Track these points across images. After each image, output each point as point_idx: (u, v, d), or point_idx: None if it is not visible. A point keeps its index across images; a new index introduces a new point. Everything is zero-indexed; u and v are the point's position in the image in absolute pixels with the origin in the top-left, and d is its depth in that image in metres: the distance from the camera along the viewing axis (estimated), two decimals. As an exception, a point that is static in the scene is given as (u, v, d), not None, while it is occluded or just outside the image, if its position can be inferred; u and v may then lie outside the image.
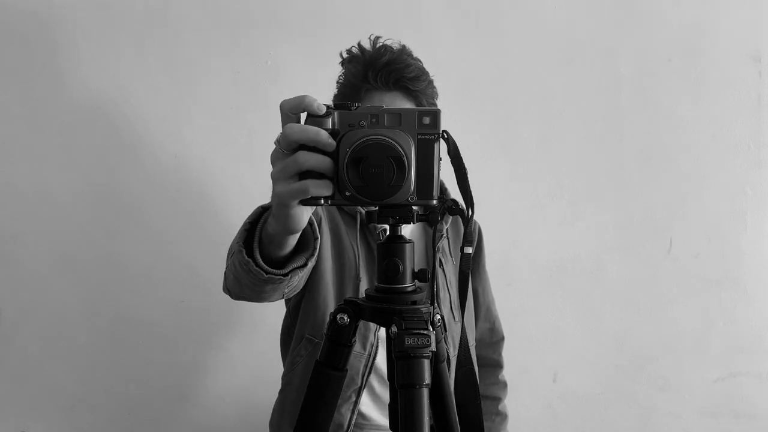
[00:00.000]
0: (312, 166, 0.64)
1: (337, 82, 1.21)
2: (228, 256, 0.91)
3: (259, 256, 0.77)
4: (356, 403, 1.13)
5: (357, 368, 1.13)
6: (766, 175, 1.77)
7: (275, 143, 0.67)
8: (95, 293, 1.55)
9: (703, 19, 1.73)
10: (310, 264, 0.81)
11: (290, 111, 0.66)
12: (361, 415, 1.16)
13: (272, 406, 1.26)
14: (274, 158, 0.67)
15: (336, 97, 1.19)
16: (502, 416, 1.35)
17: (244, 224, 0.80)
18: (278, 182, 0.66)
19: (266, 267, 0.77)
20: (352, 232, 1.18)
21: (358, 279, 1.15)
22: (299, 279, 0.83)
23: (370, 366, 1.14)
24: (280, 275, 0.77)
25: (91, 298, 1.55)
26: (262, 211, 0.80)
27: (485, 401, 1.28)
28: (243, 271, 0.78)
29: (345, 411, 1.13)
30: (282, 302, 1.28)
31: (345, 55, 1.20)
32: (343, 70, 1.20)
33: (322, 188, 0.64)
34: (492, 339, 1.38)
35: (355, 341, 0.79)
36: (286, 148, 0.64)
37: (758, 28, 1.74)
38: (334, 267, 1.17)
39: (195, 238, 1.55)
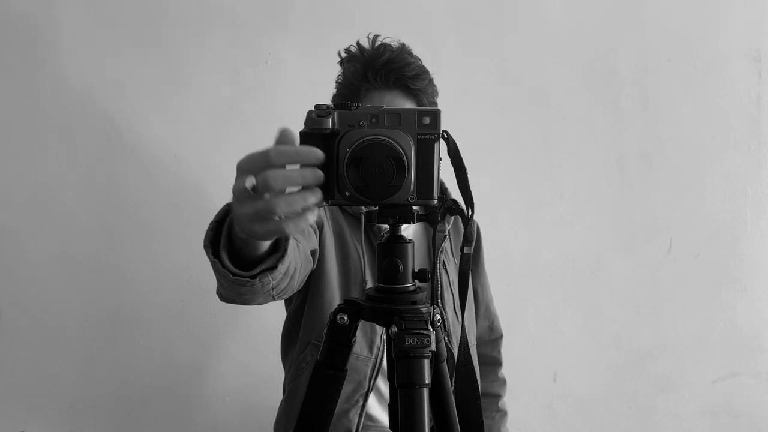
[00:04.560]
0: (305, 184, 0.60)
1: (336, 82, 1.19)
2: None
3: (226, 256, 0.72)
4: (363, 407, 1.12)
5: (364, 372, 1.11)
6: (766, 175, 1.77)
7: (242, 182, 0.60)
8: (95, 293, 1.55)
9: (703, 19, 1.73)
10: (281, 266, 0.73)
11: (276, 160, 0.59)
12: (369, 416, 1.15)
13: (271, 406, 1.26)
14: (243, 196, 0.60)
15: (335, 97, 1.18)
16: (502, 413, 1.35)
17: (211, 224, 0.74)
18: (254, 223, 0.61)
19: (233, 268, 0.71)
20: (356, 234, 1.17)
21: (363, 282, 1.13)
22: (279, 281, 0.76)
23: (378, 369, 1.12)
24: (247, 277, 0.71)
25: (91, 298, 1.55)
26: (228, 210, 0.73)
27: (485, 398, 1.27)
28: (214, 270, 0.73)
29: (352, 416, 1.11)
30: (283, 302, 1.28)
31: (343, 55, 1.19)
32: (342, 70, 1.19)
33: (312, 215, 0.61)
34: (491, 337, 1.38)
35: (355, 341, 0.79)
36: (269, 192, 0.58)
37: (758, 28, 1.74)
38: (339, 270, 1.15)
39: (195, 238, 1.53)
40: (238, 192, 0.61)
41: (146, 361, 1.57)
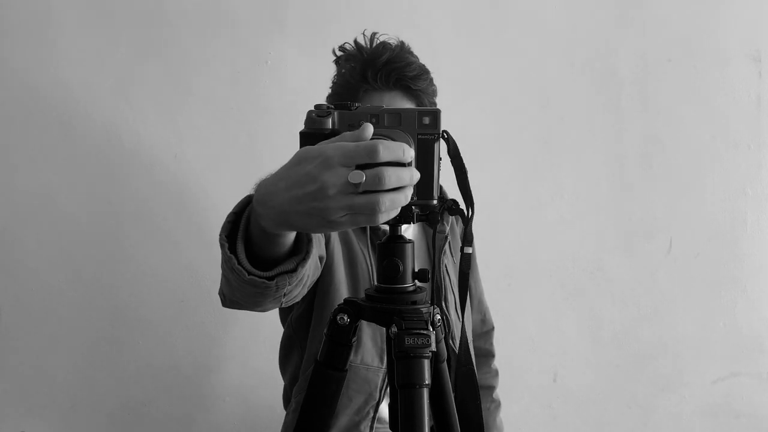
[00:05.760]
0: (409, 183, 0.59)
1: (332, 81, 1.16)
2: None
3: (242, 252, 0.68)
4: (374, 419, 1.11)
5: (375, 383, 1.10)
6: (766, 175, 1.77)
7: (343, 174, 0.56)
8: (95, 293, 1.55)
9: (703, 19, 1.73)
10: (301, 269, 0.70)
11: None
12: (379, 420, 1.13)
13: (271, 405, 1.25)
14: (339, 190, 0.56)
15: (331, 97, 1.14)
16: (497, 404, 1.35)
17: (229, 215, 0.70)
18: (340, 215, 0.57)
19: (249, 267, 0.67)
20: (362, 239, 1.15)
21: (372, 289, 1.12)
22: (293, 286, 0.72)
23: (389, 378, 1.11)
24: (264, 278, 0.67)
25: (91, 298, 1.54)
26: (248, 201, 0.69)
27: (480, 390, 1.27)
28: (228, 268, 0.69)
29: (363, 428, 1.10)
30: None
31: (339, 53, 1.14)
32: (338, 69, 1.14)
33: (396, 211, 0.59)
34: (483, 329, 1.38)
35: (356, 341, 0.79)
36: (380, 188, 0.56)
37: (758, 28, 1.74)
38: (348, 278, 1.13)
39: (195, 239, 1.55)
40: (338, 185, 0.56)
41: (146, 361, 1.57)
